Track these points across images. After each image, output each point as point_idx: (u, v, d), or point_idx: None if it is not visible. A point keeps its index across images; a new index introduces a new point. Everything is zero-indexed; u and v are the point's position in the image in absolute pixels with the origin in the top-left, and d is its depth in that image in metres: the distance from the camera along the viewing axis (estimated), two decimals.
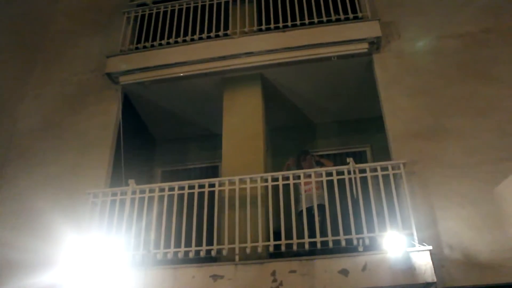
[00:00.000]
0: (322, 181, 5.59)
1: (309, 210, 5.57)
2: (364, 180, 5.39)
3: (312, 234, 5.27)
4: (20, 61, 7.67)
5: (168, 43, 7.19)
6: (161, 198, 5.68)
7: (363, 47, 6.55)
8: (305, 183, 5.83)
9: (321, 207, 5.63)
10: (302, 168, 6.31)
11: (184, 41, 7.17)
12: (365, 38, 6.55)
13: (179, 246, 5.34)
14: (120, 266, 5.23)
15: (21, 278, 5.55)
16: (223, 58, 6.86)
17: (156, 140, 8.53)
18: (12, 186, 6.50)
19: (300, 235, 5.27)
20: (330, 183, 5.49)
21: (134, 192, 5.70)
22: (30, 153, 6.74)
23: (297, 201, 5.68)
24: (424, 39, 6.56)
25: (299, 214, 5.59)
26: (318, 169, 5.79)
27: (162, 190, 5.75)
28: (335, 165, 6.16)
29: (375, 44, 6.55)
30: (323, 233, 5.25)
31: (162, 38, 7.26)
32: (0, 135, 6.97)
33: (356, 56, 6.65)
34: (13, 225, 6.10)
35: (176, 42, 7.19)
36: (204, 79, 7.02)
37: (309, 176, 5.69)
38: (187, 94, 7.36)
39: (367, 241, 5.00)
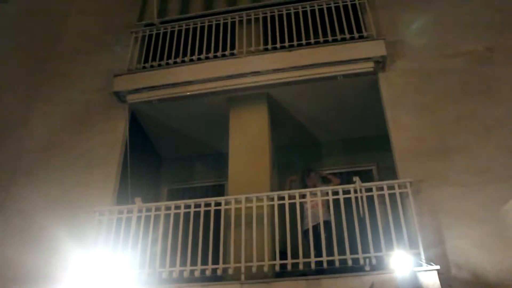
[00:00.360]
0: (327, 199, 5.60)
1: (315, 228, 5.55)
2: (370, 199, 5.37)
3: (318, 253, 5.24)
4: (27, 80, 7.76)
5: (175, 62, 7.27)
6: (167, 216, 5.69)
7: (368, 66, 6.60)
8: (311, 201, 5.80)
9: (327, 223, 5.59)
10: (306, 185, 6.30)
11: (191, 60, 7.25)
12: (371, 57, 6.60)
13: (185, 265, 5.32)
14: (126, 285, 5.21)
15: None
16: (230, 77, 6.91)
17: (163, 158, 8.53)
18: (18, 203, 6.52)
19: (306, 254, 5.24)
20: (336, 202, 5.47)
21: (140, 210, 5.70)
22: (37, 171, 6.78)
23: (302, 219, 5.65)
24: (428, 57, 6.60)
25: (304, 233, 5.56)
26: (324, 188, 5.78)
27: (168, 208, 5.76)
28: (341, 183, 6.14)
29: (380, 63, 6.60)
30: (330, 250, 5.22)
31: (169, 57, 7.34)
32: (7, 152, 7.04)
33: (362, 75, 6.68)
34: (19, 242, 6.11)
35: (183, 61, 7.27)
36: (210, 98, 7.07)
37: (315, 194, 5.67)
38: (194, 113, 7.40)
39: (373, 261, 4.96)
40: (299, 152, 7.79)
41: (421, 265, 4.80)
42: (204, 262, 5.31)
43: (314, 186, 6.27)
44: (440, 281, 4.70)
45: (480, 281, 4.89)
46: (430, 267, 4.76)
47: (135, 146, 7.04)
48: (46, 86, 7.84)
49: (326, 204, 5.69)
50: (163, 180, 8.33)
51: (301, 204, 5.70)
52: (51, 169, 6.75)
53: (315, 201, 5.69)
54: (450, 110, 6.09)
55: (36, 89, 7.78)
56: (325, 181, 6.48)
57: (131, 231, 5.57)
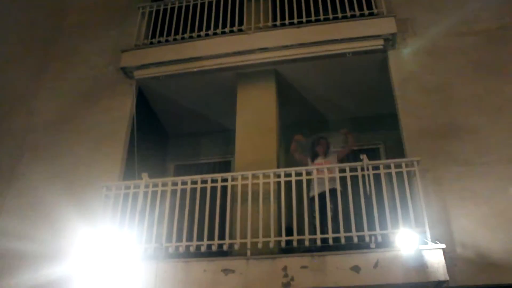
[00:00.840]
0: (330, 160, 5.92)
1: (322, 197, 5.55)
2: (377, 177, 5.37)
3: (324, 228, 5.27)
4: (35, 56, 7.75)
5: (183, 38, 7.23)
6: (173, 192, 5.71)
7: (378, 44, 6.53)
8: (317, 164, 6.00)
9: (333, 191, 5.57)
10: (315, 154, 6.31)
11: (199, 36, 7.21)
12: (380, 35, 6.53)
13: (191, 240, 5.36)
14: (132, 259, 5.27)
15: (34, 269, 5.63)
16: (238, 53, 6.88)
17: (170, 135, 8.56)
18: (26, 178, 6.58)
19: (312, 232, 5.27)
20: (343, 180, 5.47)
21: (147, 186, 5.72)
22: (45, 146, 6.83)
23: (309, 187, 5.68)
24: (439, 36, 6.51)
25: (311, 200, 5.58)
26: (331, 165, 5.75)
27: (175, 184, 5.78)
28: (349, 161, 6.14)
29: (390, 41, 6.53)
30: (336, 226, 5.24)
31: (177, 33, 7.30)
32: (15, 128, 7.09)
33: (371, 53, 6.63)
34: (26, 217, 6.17)
35: (191, 37, 7.23)
36: (218, 74, 7.05)
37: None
38: (201, 89, 7.39)
39: (379, 238, 4.99)
40: (306, 130, 7.74)
41: (426, 244, 4.81)
42: (211, 237, 5.34)
43: (324, 154, 6.28)
44: (445, 259, 4.73)
45: (485, 260, 4.91)
46: (435, 246, 4.78)
47: (142, 123, 7.04)
48: (54, 61, 7.84)
49: (333, 171, 5.68)
50: (170, 157, 8.37)
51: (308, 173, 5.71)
52: (58, 145, 6.79)
53: (321, 168, 5.68)
54: (460, 89, 6.04)
55: (44, 64, 7.78)
56: (344, 142, 6.42)
57: (138, 206, 5.60)
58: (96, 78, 7.40)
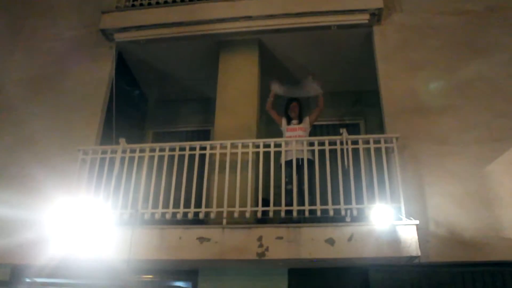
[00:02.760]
0: (308, 129, 6.06)
1: (298, 165, 5.64)
2: (356, 152, 5.40)
3: (301, 202, 5.31)
4: (10, 13, 7.52)
5: (165, 2, 7.06)
6: (151, 158, 5.68)
7: (363, 18, 6.48)
8: (291, 130, 6.08)
9: (309, 162, 5.59)
10: (289, 118, 6.34)
11: (182, 1, 7.06)
12: (367, 9, 6.46)
13: (167, 207, 5.35)
14: (108, 224, 5.25)
15: (8, 233, 5.56)
16: (221, 20, 6.76)
17: (149, 101, 8.50)
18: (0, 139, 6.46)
19: (289, 204, 5.30)
20: (321, 153, 5.49)
21: (124, 151, 5.68)
22: (20, 106, 6.66)
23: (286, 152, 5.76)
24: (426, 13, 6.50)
25: (287, 165, 5.64)
26: (310, 138, 5.75)
27: (152, 150, 5.75)
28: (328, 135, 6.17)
29: (376, 16, 6.48)
30: (312, 199, 5.28)
31: None
32: None
33: (356, 27, 6.58)
34: (1, 179, 6.09)
35: (174, 1, 7.07)
36: (200, 41, 6.96)
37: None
38: (183, 56, 7.30)
39: (355, 212, 5.03)
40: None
41: (400, 219, 4.88)
42: (187, 205, 5.34)
43: (297, 118, 6.31)
44: (418, 236, 4.81)
45: (457, 238, 5.03)
46: (409, 222, 4.85)
47: (121, 87, 6.93)
48: (30, 19, 7.59)
49: (306, 135, 5.96)
50: (148, 123, 8.35)
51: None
52: (34, 106, 6.64)
53: (300, 140, 5.74)
54: (444, 68, 6.05)
55: (20, 22, 7.54)
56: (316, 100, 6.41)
57: (115, 172, 5.55)
58: (75, 39, 7.21)
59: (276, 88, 6.38)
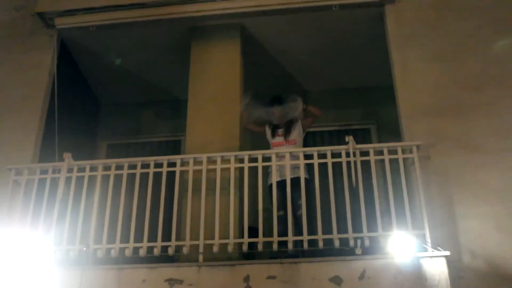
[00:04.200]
0: (301, 139, 6.09)
1: (281, 184, 5.65)
2: (366, 165, 5.39)
3: (297, 229, 5.31)
4: None
5: None
6: (105, 178, 5.64)
7: None
8: (276, 144, 6.14)
9: (306, 181, 5.61)
10: (274, 127, 6.33)
11: None
12: None
13: (127, 241, 5.30)
14: (50, 264, 5.18)
15: None
16: (193, 1, 6.78)
17: (102, 105, 8.52)
18: None
19: (282, 229, 5.29)
20: (323, 167, 5.45)
21: (70, 170, 5.65)
22: None
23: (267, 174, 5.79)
24: None
25: (278, 186, 5.66)
26: (308, 149, 5.73)
27: (107, 168, 5.71)
28: (331, 144, 6.18)
29: None
30: (311, 227, 5.24)
31: None
32: None
33: (364, 7, 6.64)
34: None
35: None
36: (167, 27, 6.99)
37: (296, 156, 5.64)
38: (145, 47, 7.32)
39: (367, 242, 5.00)
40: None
41: (426, 250, 4.85)
42: (152, 238, 5.29)
43: (284, 126, 6.27)
44: (448, 270, 4.77)
45: (499, 272, 4.98)
46: (437, 253, 4.82)
47: (65, 87, 6.90)
48: None
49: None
50: (101, 133, 8.36)
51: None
52: None
53: (296, 152, 5.69)
54: (475, 57, 6.07)
55: None
56: (305, 114, 6.35)
57: (58, 197, 5.50)
58: (3, 24, 7.16)
59: (248, 108, 6.34)
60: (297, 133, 6.25)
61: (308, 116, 6.37)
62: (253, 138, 7.12)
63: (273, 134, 6.31)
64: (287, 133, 6.25)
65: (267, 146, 6.30)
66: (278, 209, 5.53)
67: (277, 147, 6.18)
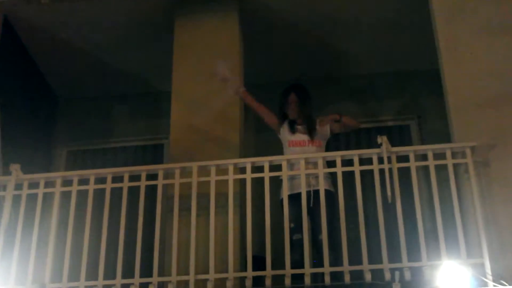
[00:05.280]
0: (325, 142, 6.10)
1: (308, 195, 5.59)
2: (405, 174, 5.38)
3: (318, 261, 5.28)
4: None
5: None
6: (66, 195, 5.64)
7: None
8: (296, 144, 6.06)
9: (329, 195, 5.60)
10: (285, 116, 6.30)
11: None
12: None
13: (95, 278, 5.28)
14: None
15: None
16: None
17: (61, 100, 8.56)
18: None
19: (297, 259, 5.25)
20: (348, 176, 5.46)
21: (19, 186, 5.66)
22: None
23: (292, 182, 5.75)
24: None
25: (291, 201, 5.60)
26: (330, 153, 5.73)
27: (68, 183, 5.70)
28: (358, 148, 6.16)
29: None
30: (334, 255, 5.27)
31: None
32: None
33: None
34: None
35: None
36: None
37: (313, 162, 5.67)
38: (115, 25, 7.37)
39: (407, 275, 4.97)
40: None
41: (485, 285, 4.82)
42: (128, 273, 5.28)
43: (304, 122, 6.24)
44: None
45: None
46: (499, 286, 4.79)
47: (12, 78, 6.98)
48: None
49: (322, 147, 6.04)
50: (60, 136, 8.40)
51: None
52: None
53: (314, 158, 5.70)
54: None
55: None
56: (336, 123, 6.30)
57: (4, 220, 5.51)
58: None
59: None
60: (322, 135, 6.21)
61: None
62: (260, 139, 7.12)
63: (292, 130, 6.26)
64: (312, 131, 6.23)
65: (275, 151, 6.25)
66: (294, 232, 5.51)
67: (298, 147, 6.13)
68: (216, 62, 6.20)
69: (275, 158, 5.68)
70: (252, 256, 5.28)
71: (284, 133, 6.23)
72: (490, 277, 4.86)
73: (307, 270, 5.14)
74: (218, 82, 6.37)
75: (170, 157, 6.34)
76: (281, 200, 5.61)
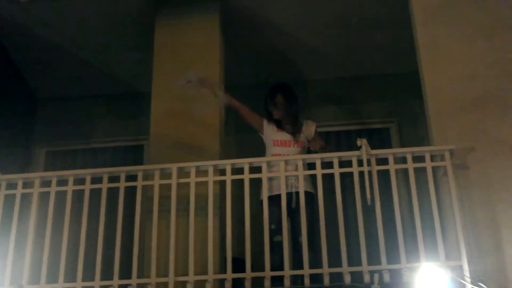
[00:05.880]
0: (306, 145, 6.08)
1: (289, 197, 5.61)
2: (385, 177, 5.41)
3: (297, 262, 5.29)
4: None
5: None
6: (44, 196, 5.61)
7: None
8: (280, 143, 6.09)
9: (309, 196, 5.61)
10: (276, 121, 6.29)
11: None
12: None
13: (73, 279, 5.27)
14: None
15: None
16: None
17: (39, 100, 8.54)
18: None
19: (277, 264, 5.26)
20: (327, 179, 5.47)
21: None
22: None
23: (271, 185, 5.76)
24: None
25: (271, 202, 5.60)
26: (310, 156, 5.75)
27: (46, 183, 5.69)
28: (336, 150, 6.18)
29: None
30: (314, 256, 5.28)
31: None
32: None
33: None
34: None
35: None
36: None
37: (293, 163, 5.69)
38: (94, 24, 7.36)
39: (386, 277, 4.99)
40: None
41: (463, 286, 4.84)
42: (107, 274, 5.28)
43: (290, 122, 6.26)
44: None
45: None
46: None
47: None
48: None
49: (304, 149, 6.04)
50: (39, 136, 8.37)
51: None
52: None
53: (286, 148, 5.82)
54: None
55: None
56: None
57: None
58: None
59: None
60: (306, 136, 6.24)
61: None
62: (239, 140, 7.12)
63: (278, 129, 6.24)
64: (296, 131, 6.25)
65: (256, 153, 6.26)
66: (275, 233, 5.53)
67: (281, 147, 6.15)
68: (186, 73, 6.16)
69: (255, 160, 5.67)
70: (231, 258, 5.27)
71: (269, 133, 6.23)
72: (469, 279, 4.88)
73: (287, 272, 5.14)
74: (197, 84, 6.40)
75: (150, 158, 6.32)
76: (260, 202, 5.62)
